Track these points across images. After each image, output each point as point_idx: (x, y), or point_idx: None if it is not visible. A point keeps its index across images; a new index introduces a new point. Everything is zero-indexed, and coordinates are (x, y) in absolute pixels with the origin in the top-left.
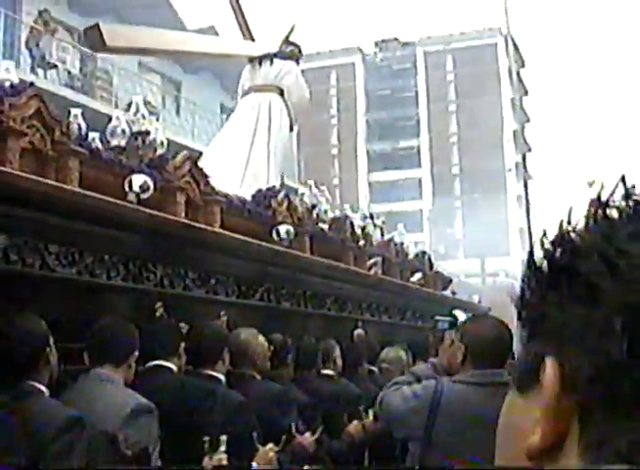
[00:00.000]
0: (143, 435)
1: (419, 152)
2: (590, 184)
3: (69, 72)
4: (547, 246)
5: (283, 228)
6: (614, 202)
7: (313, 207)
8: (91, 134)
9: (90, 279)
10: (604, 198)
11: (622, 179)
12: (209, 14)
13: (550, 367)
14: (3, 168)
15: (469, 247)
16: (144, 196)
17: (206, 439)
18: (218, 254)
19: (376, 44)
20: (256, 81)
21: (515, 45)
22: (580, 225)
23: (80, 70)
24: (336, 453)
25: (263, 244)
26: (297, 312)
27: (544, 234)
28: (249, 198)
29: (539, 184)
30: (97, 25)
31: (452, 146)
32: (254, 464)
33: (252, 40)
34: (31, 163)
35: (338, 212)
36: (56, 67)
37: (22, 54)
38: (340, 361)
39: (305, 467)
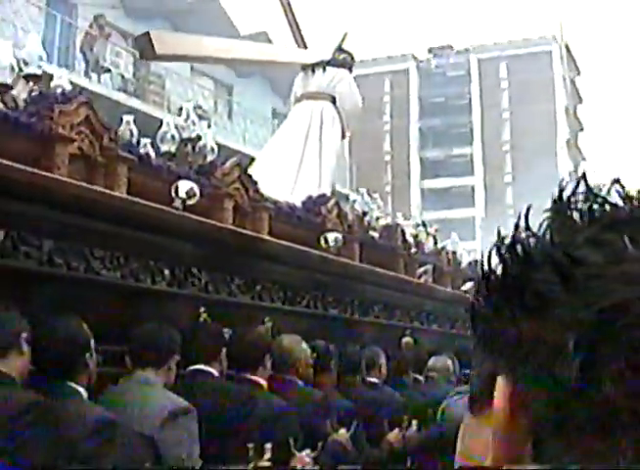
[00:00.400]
0: (182, 436)
1: (472, 159)
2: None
3: (123, 77)
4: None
5: (331, 235)
6: (576, 203)
7: (364, 214)
8: (143, 140)
9: (135, 284)
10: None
11: (584, 177)
12: (262, 20)
13: (501, 388)
14: (50, 175)
15: None
16: (190, 202)
17: (251, 445)
18: (265, 260)
19: (429, 51)
20: (309, 89)
21: (570, 53)
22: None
23: (133, 74)
24: (373, 461)
25: (311, 251)
26: (344, 319)
27: (501, 240)
28: (299, 205)
29: None
30: (147, 34)
31: (505, 154)
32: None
33: (305, 48)
34: (80, 168)
35: (389, 220)
36: (109, 71)
37: (76, 58)
38: (385, 369)
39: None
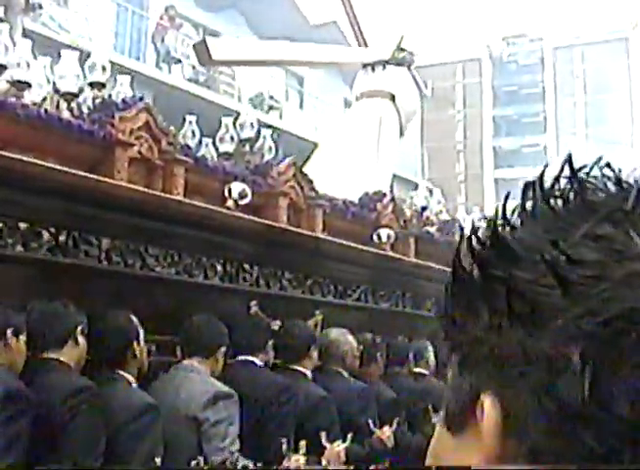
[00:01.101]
0: (223, 416)
1: (545, 149)
2: None
3: (194, 67)
4: (477, 246)
5: (384, 232)
6: (558, 190)
7: (424, 209)
8: (204, 140)
9: (188, 279)
10: (546, 184)
11: (569, 159)
12: (332, 9)
13: (489, 409)
14: (110, 181)
15: None
16: (242, 202)
17: (284, 440)
18: (316, 256)
19: (503, 39)
20: (369, 87)
21: None
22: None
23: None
24: (414, 446)
25: (362, 247)
26: (395, 313)
27: (474, 230)
28: (356, 202)
29: None
30: (204, 40)
31: (580, 143)
32: (324, 461)
33: (366, 45)
34: (140, 171)
35: (448, 214)
36: (180, 61)
37: (147, 49)
38: (432, 360)
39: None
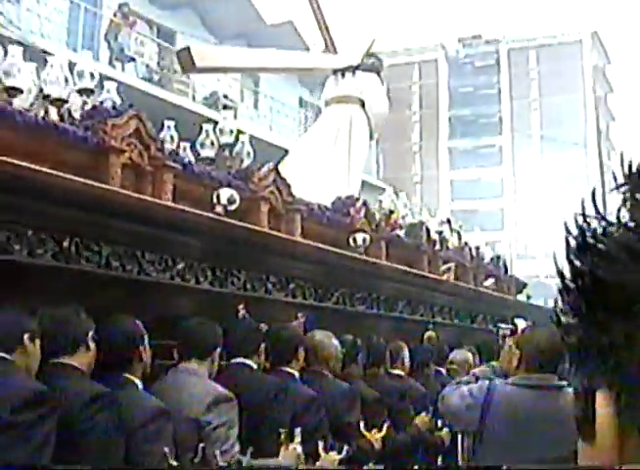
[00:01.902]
0: (223, 419)
1: (501, 149)
2: None
3: (147, 66)
4: (574, 253)
5: (359, 236)
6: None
7: (391, 212)
8: (182, 144)
9: (181, 283)
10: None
11: None
12: (288, 9)
13: (603, 405)
14: (108, 187)
15: (550, 246)
16: (230, 208)
17: (282, 431)
18: (297, 261)
19: (459, 41)
20: (339, 92)
21: (600, 41)
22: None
23: (158, 63)
24: (400, 444)
25: (339, 251)
26: (370, 315)
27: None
28: (329, 206)
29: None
30: (188, 48)
31: (534, 144)
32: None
33: (335, 51)
34: (130, 177)
35: (414, 217)
36: (134, 60)
37: (100, 47)
38: (407, 361)
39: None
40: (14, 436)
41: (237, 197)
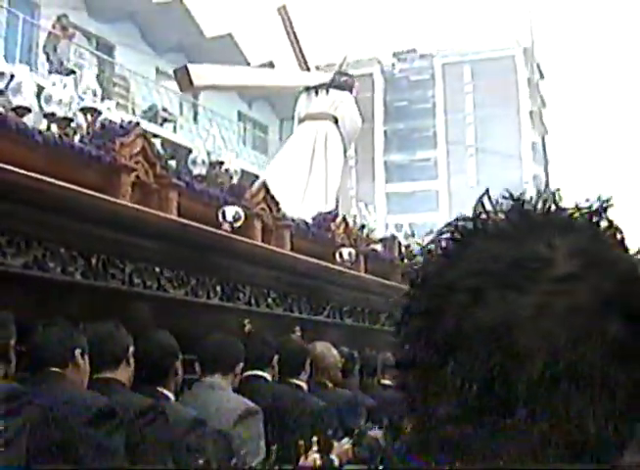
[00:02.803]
0: (252, 433)
1: (436, 163)
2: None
3: None
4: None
5: (345, 251)
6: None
7: (363, 226)
8: (170, 162)
9: (193, 299)
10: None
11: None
12: (228, 22)
13: None
14: (129, 203)
15: None
16: (236, 225)
17: (301, 442)
18: (292, 275)
19: (394, 55)
20: (312, 110)
21: (533, 57)
22: None
23: (97, 75)
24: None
25: (329, 265)
26: (359, 328)
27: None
28: (309, 221)
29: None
30: (185, 67)
31: (469, 158)
32: (334, 457)
33: (308, 70)
34: (137, 195)
35: (381, 231)
36: (73, 72)
37: (39, 59)
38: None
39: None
40: (89, 448)
41: (242, 214)
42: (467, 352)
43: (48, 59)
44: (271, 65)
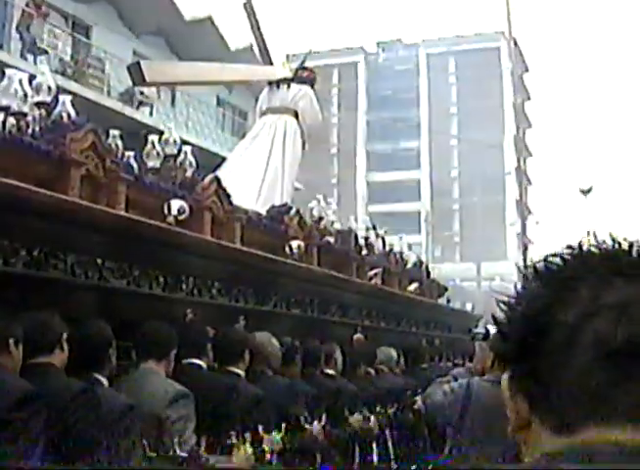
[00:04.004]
0: (183, 414)
1: (419, 153)
2: (584, 192)
3: (61, 59)
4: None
5: (294, 243)
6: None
7: (320, 219)
8: (127, 153)
9: (136, 289)
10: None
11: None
12: (207, 4)
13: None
14: (75, 199)
15: (465, 250)
16: (181, 218)
17: (233, 433)
18: (239, 268)
19: (378, 44)
20: (273, 103)
21: (518, 49)
22: None
23: (72, 56)
24: (339, 440)
25: (280, 259)
26: (307, 318)
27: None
28: (264, 214)
29: (538, 189)
30: (138, 63)
31: (452, 149)
32: (265, 447)
33: (271, 64)
34: (86, 188)
35: (341, 224)
36: (47, 52)
37: (12, 38)
38: (340, 362)
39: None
40: (7, 433)
41: (187, 207)
42: None
43: (21, 38)
44: (251, 48)
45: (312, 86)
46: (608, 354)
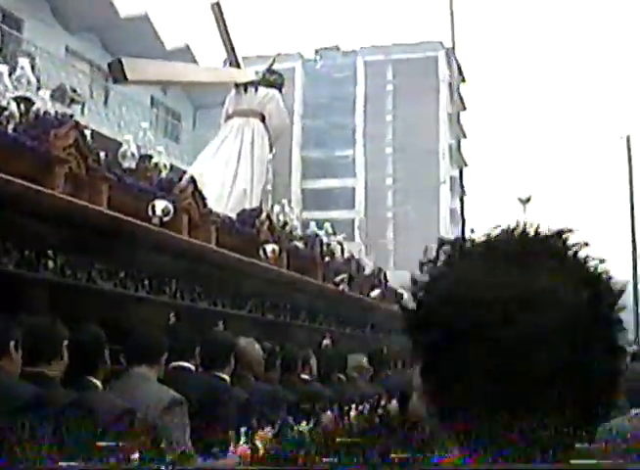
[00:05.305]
0: (178, 422)
1: (354, 161)
2: (523, 201)
3: None
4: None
5: (269, 247)
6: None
7: (285, 224)
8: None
9: (123, 291)
10: None
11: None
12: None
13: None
14: (68, 197)
15: (399, 258)
16: (166, 219)
17: (231, 433)
18: (218, 270)
19: (316, 51)
20: (240, 106)
21: (456, 60)
22: None
23: (0, 50)
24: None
25: (256, 262)
26: (280, 323)
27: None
28: (234, 217)
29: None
30: (119, 60)
31: (387, 157)
32: (258, 443)
33: (239, 67)
34: (69, 186)
35: (301, 228)
36: None
37: None
38: (315, 368)
39: None
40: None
41: (171, 208)
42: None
43: None
44: (188, 48)
45: (280, 90)
46: None
